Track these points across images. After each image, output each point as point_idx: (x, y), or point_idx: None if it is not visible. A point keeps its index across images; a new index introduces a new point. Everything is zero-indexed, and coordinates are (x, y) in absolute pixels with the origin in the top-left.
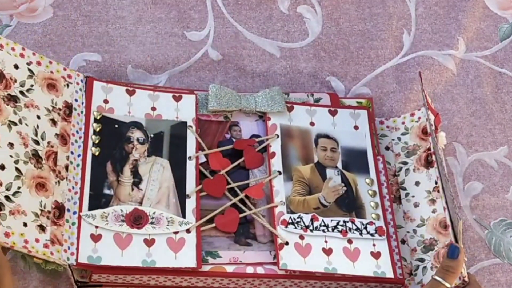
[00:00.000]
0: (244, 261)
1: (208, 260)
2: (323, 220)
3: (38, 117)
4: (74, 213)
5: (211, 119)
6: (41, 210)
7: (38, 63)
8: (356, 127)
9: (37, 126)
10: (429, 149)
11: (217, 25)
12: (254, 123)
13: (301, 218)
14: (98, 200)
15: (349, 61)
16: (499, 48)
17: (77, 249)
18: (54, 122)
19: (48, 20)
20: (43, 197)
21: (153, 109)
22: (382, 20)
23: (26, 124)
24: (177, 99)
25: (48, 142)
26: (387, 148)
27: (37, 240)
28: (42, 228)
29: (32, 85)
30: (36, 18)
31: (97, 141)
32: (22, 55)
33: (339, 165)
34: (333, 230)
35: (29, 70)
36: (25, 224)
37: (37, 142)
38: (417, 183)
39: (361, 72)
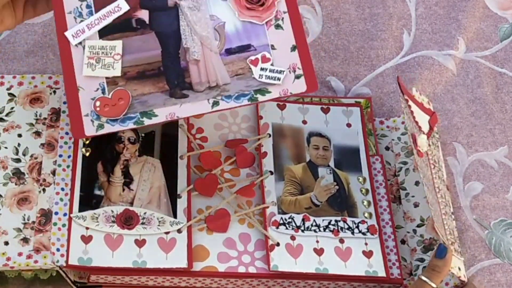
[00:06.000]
0: (181, 115)
1: (143, 121)
2: (314, 220)
3: (20, 135)
4: (65, 214)
5: None
6: (24, 223)
7: (20, 84)
8: (348, 125)
9: (18, 145)
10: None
11: None
12: None
13: (292, 219)
14: (89, 201)
15: (349, 61)
16: (499, 48)
17: (68, 250)
18: (38, 133)
19: (48, 20)
20: (26, 210)
21: None
22: (382, 20)
23: (6, 147)
24: None
25: (31, 155)
26: (387, 148)
27: (19, 254)
28: (25, 240)
29: (12, 108)
30: (36, 18)
31: (87, 142)
32: (1, 84)
33: (331, 163)
34: (324, 229)
35: (10, 94)
36: (6, 243)
37: (18, 160)
38: (417, 183)
39: (361, 72)
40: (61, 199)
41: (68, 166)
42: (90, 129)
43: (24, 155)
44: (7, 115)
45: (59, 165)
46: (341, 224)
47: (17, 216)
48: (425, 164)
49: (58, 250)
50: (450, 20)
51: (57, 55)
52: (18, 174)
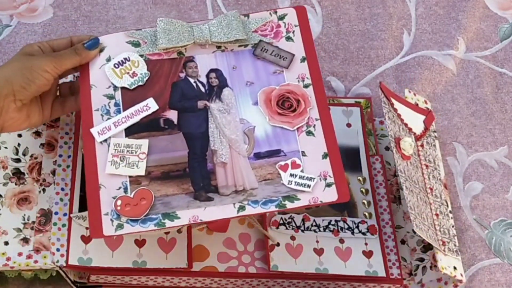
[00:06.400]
0: (205, 219)
1: (165, 223)
2: (314, 220)
3: (20, 135)
4: (65, 214)
5: (162, 57)
6: (24, 223)
7: None
8: (348, 125)
9: (18, 145)
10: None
11: None
12: (212, 55)
13: (292, 219)
14: None
15: (349, 61)
16: (499, 48)
17: (67, 250)
18: (38, 133)
19: (48, 20)
20: (26, 211)
21: None
22: (382, 20)
23: (6, 147)
24: None
25: (32, 155)
26: (387, 148)
27: (19, 254)
28: (25, 240)
29: None
30: (36, 18)
31: None
32: None
33: None
34: (324, 230)
35: None
36: (6, 243)
37: (18, 160)
38: None
39: (361, 72)
40: (61, 199)
41: (68, 166)
42: (109, 229)
43: (24, 155)
44: None
45: (59, 165)
46: (341, 224)
47: (17, 216)
48: (413, 165)
49: (58, 250)
50: (450, 20)
51: None
52: (18, 174)
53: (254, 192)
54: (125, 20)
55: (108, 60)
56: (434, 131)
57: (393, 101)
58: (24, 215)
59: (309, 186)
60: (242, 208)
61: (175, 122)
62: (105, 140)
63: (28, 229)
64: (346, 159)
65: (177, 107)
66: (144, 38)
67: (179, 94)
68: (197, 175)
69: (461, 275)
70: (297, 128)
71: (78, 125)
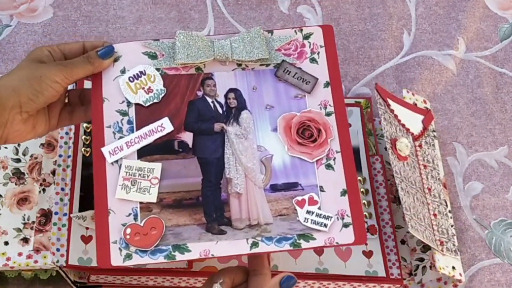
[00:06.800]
0: (216, 254)
1: (175, 256)
2: None
3: None
4: (65, 214)
5: (180, 72)
6: (24, 223)
7: None
8: (349, 125)
9: (18, 145)
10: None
11: (217, 25)
12: (231, 73)
13: None
14: (89, 201)
15: (349, 61)
16: (499, 48)
17: (67, 250)
18: None
19: (48, 20)
20: (26, 211)
21: None
22: (382, 20)
23: (6, 147)
24: None
25: (31, 155)
26: (386, 149)
27: (19, 254)
28: (25, 240)
29: None
30: (36, 18)
31: (88, 142)
32: None
33: None
34: None
35: None
36: (6, 243)
37: (18, 160)
38: None
39: (361, 72)
40: (61, 199)
41: (68, 166)
42: (116, 259)
43: (24, 155)
44: None
45: (59, 165)
46: None
47: (17, 216)
48: (411, 166)
49: (58, 250)
50: (450, 20)
51: None
52: (18, 174)
53: (268, 227)
54: (125, 20)
55: (123, 72)
56: (433, 131)
57: (390, 101)
58: (24, 215)
59: (325, 225)
60: (255, 244)
61: (190, 146)
62: (116, 161)
63: (28, 229)
64: None
65: (193, 128)
66: (162, 50)
67: (195, 114)
68: (210, 205)
69: (460, 274)
70: (317, 161)
71: (78, 125)
